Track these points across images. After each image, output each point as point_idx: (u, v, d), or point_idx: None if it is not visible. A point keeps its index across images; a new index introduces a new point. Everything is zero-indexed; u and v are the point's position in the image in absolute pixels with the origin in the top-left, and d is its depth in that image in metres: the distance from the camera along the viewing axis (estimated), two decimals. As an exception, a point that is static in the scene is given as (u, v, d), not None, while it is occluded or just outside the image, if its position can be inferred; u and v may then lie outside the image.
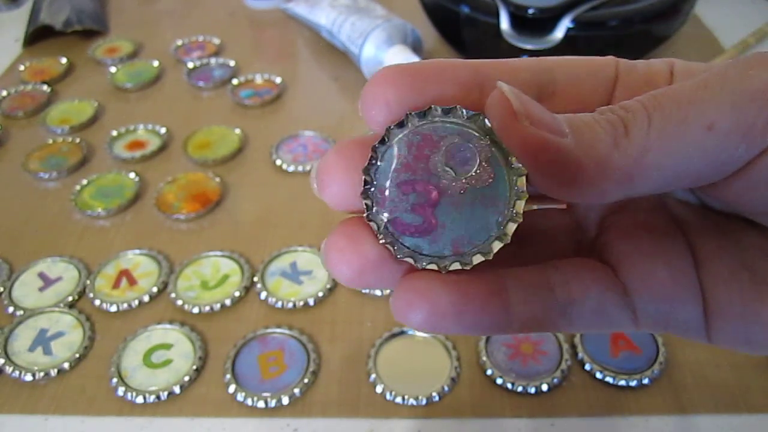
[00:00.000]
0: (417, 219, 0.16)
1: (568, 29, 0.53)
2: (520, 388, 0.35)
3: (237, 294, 0.41)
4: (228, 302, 0.40)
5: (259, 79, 0.61)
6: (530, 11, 0.53)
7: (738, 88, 0.14)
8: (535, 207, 0.17)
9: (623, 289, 0.17)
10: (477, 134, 0.16)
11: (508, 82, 0.16)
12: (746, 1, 0.73)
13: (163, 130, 0.55)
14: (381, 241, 0.16)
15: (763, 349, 0.17)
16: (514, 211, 0.16)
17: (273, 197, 0.49)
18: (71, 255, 0.44)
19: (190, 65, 0.64)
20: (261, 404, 0.35)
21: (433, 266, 0.16)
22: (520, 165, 0.16)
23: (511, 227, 0.16)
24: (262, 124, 0.56)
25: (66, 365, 0.37)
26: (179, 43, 0.68)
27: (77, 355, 0.37)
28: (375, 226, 0.16)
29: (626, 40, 0.55)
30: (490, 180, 0.16)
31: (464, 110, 0.16)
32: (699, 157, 0.14)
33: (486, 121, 0.16)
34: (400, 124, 0.16)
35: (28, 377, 0.36)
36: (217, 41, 0.68)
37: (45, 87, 0.61)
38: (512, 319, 0.16)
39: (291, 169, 0.51)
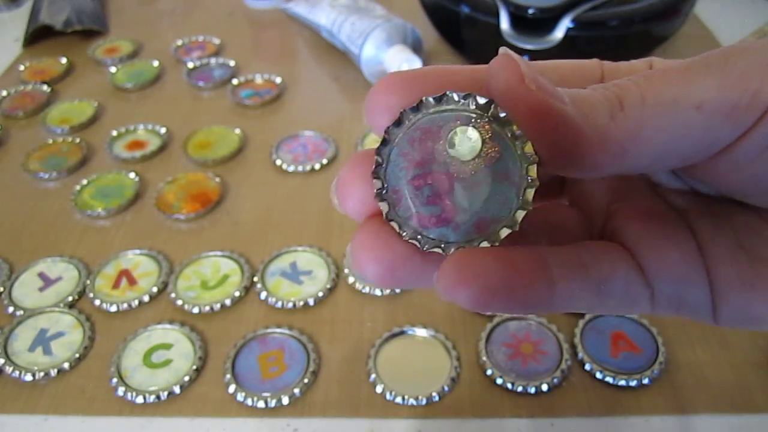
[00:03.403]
0: (436, 210, 0.16)
1: (568, 29, 0.53)
2: (520, 388, 0.35)
3: (237, 294, 0.41)
4: (228, 302, 0.40)
5: (259, 79, 0.61)
6: (530, 11, 0.53)
7: (721, 72, 0.15)
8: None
9: (642, 270, 0.18)
10: (474, 114, 0.16)
11: None
12: (746, 1, 0.73)
13: (163, 130, 0.55)
14: (405, 238, 0.16)
15: (766, 324, 0.17)
16: (529, 177, 0.16)
17: (273, 197, 0.49)
18: (71, 255, 0.44)
19: (190, 65, 0.64)
20: (261, 404, 0.35)
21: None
22: (523, 132, 0.15)
23: (530, 192, 0.16)
24: (262, 124, 0.56)
25: (66, 365, 0.37)
26: (179, 43, 0.68)
27: (77, 355, 0.37)
28: (396, 225, 0.16)
29: (626, 40, 0.55)
30: (498, 155, 0.16)
31: (455, 93, 0.16)
32: (688, 135, 0.15)
33: (479, 99, 0.16)
34: (398, 123, 0.16)
35: (28, 377, 0.36)
36: (217, 41, 0.68)
37: (45, 87, 0.61)
38: (555, 296, 0.16)
39: (291, 169, 0.51)
